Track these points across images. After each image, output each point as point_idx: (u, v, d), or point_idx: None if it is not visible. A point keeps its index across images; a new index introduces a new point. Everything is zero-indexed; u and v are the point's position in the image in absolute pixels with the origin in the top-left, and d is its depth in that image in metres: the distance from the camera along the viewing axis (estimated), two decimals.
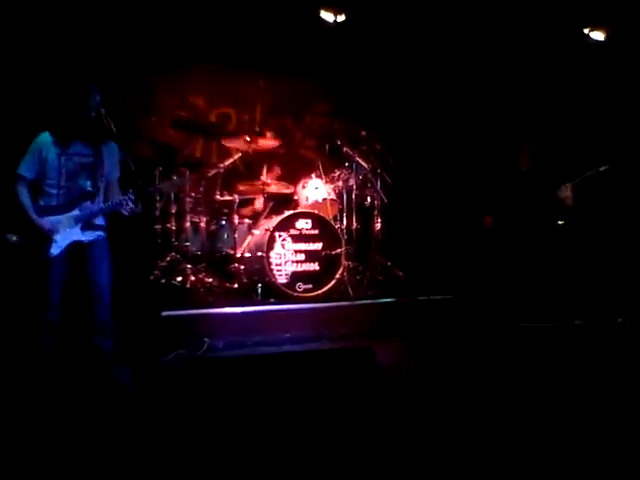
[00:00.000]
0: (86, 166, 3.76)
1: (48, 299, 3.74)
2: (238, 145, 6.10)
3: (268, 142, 6.28)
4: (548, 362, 4.53)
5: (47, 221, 3.70)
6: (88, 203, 3.78)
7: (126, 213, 3.81)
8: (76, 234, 3.75)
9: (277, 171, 6.62)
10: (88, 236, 3.80)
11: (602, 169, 5.36)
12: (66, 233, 3.72)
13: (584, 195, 5.59)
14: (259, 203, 6.39)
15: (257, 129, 6.30)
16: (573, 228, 5.82)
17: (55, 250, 3.69)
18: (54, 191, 3.76)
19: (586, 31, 6.61)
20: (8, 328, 4.36)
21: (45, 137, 3.75)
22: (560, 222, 5.78)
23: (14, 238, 3.73)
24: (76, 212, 3.75)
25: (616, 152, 5.99)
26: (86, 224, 3.78)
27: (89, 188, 3.78)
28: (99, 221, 3.88)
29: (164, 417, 3.23)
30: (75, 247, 3.78)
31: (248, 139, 6.00)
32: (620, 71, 6.54)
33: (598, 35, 6.61)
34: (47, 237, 3.68)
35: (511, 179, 5.86)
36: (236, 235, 5.92)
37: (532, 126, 6.42)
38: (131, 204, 3.77)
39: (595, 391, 3.78)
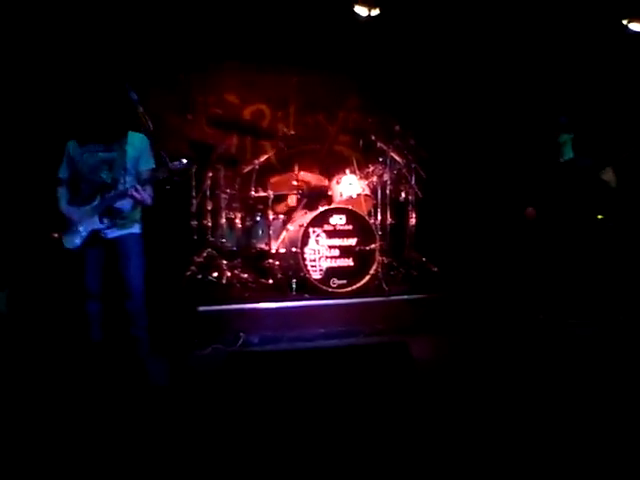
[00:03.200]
0: (106, 160, 3.87)
1: (87, 291, 3.89)
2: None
3: None
4: (578, 360, 4.42)
5: (73, 211, 3.90)
6: (108, 194, 3.87)
7: (162, 176, 3.81)
8: (94, 223, 3.86)
9: (311, 167, 6.64)
10: (107, 224, 3.87)
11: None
12: (87, 223, 3.86)
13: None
14: (293, 199, 6.42)
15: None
16: (612, 224, 5.65)
17: (78, 240, 3.84)
18: (80, 185, 3.94)
19: (625, 22, 6.44)
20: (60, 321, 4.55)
21: (72, 142, 3.96)
22: (600, 216, 5.62)
23: (55, 235, 3.89)
24: (96, 202, 3.87)
25: None
26: (104, 212, 3.86)
27: (108, 180, 3.88)
28: (125, 212, 3.92)
29: (201, 409, 3.27)
30: (104, 241, 3.87)
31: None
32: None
33: (636, 26, 6.44)
34: (74, 230, 3.85)
35: (553, 170, 5.71)
36: (271, 231, 5.96)
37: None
38: (163, 171, 3.79)
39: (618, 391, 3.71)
